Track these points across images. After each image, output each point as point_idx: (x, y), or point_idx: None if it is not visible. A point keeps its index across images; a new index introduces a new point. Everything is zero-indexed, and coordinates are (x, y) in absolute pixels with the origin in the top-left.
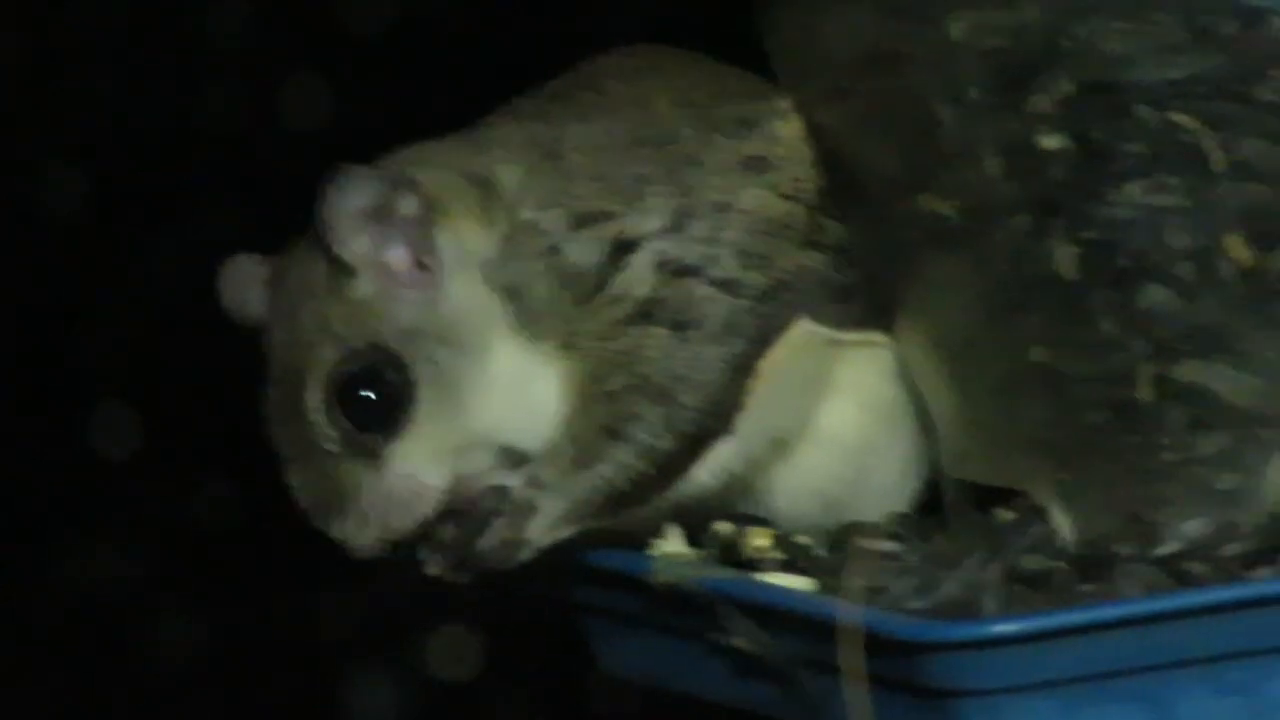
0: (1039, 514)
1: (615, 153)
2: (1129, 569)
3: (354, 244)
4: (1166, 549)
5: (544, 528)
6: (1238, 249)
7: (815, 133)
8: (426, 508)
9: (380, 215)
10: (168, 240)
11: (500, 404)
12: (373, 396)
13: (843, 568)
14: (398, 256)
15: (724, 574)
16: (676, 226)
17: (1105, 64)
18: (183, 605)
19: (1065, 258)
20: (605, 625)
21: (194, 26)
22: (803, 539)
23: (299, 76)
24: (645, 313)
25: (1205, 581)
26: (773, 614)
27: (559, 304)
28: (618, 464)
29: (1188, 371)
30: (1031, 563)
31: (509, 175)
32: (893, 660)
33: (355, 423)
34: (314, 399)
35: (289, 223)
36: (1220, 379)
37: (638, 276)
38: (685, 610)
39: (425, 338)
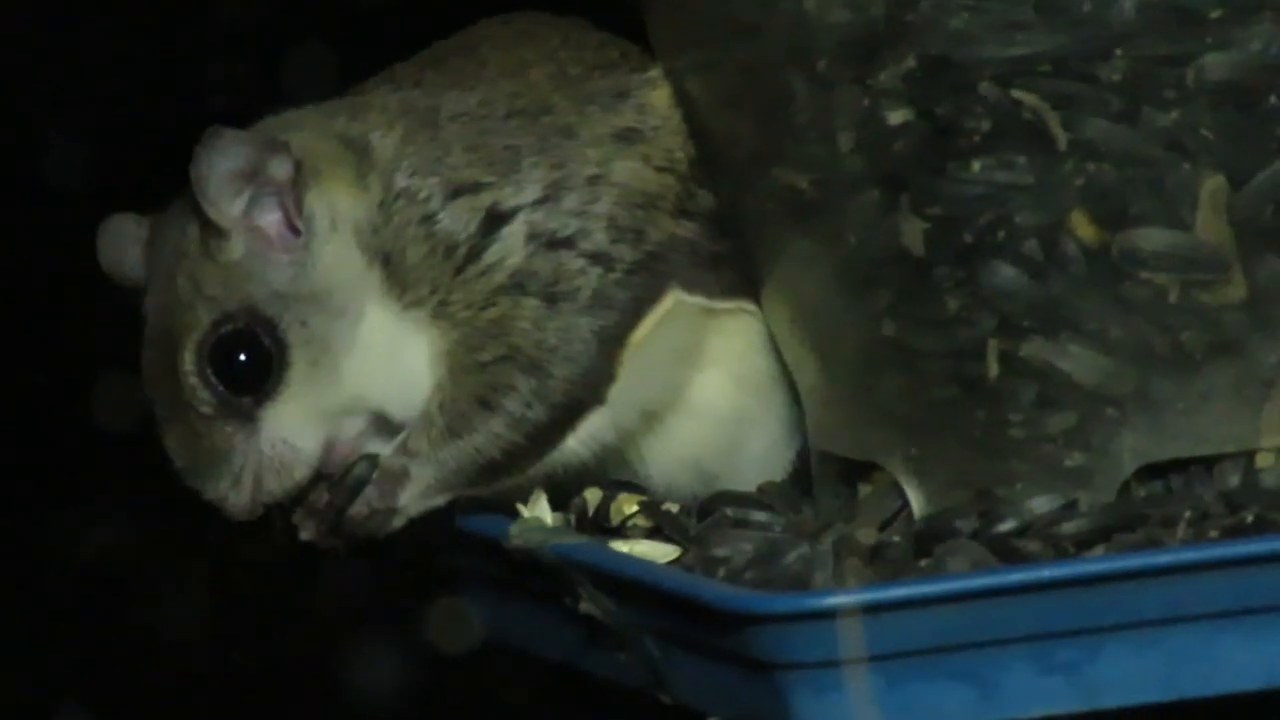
0: (896, 488)
1: (490, 123)
2: (956, 545)
3: (226, 206)
4: (1007, 525)
5: (415, 496)
6: (1083, 227)
7: (685, 102)
8: (300, 471)
9: (252, 177)
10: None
11: (372, 370)
12: (245, 359)
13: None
14: (269, 219)
15: (575, 540)
16: (549, 198)
17: (948, 40)
18: (184, 574)
19: (912, 233)
20: (476, 589)
21: (199, 1)
22: (671, 507)
23: (305, 51)
24: (517, 284)
25: (1038, 559)
26: (619, 582)
27: (432, 272)
28: (489, 434)
29: (1034, 349)
30: (867, 537)
31: (385, 142)
32: (719, 631)
33: (228, 385)
34: (188, 361)
35: None
36: (1066, 357)
37: (510, 247)
38: (541, 576)
39: (297, 301)
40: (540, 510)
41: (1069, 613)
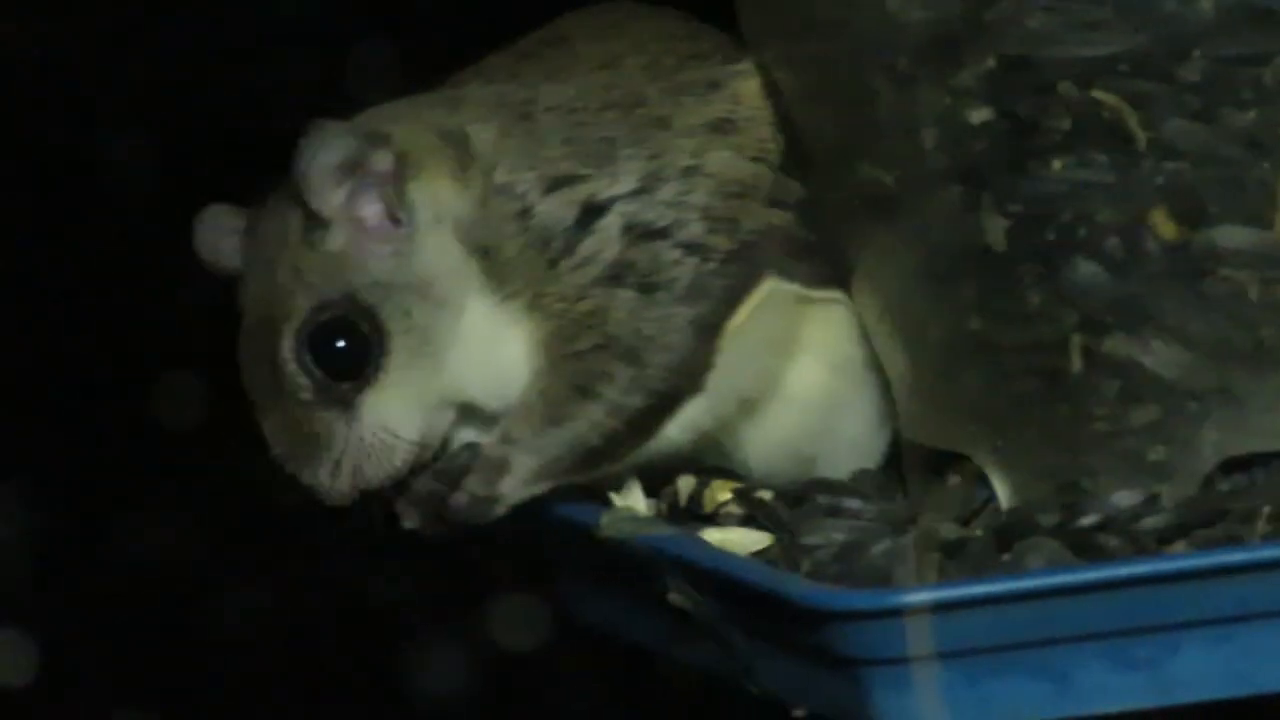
0: (983, 480)
1: (586, 115)
2: (1035, 542)
3: (328, 197)
4: (1088, 520)
5: (517, 484)
6: (1163, 225)
7: (774, 94)
8: (398, 459)
9: (354, 169)
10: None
11: (470, 360)
12: (345, 346)
13: (900, 554)
14: (371, 211)
15: (665, 531)
16: (645, 189)
17: (1027, 40)
18: (245, 574)
19: (995, 230)
20: (570, 578)
21: None
22: (765, 494)
23: (365, 47)
24: (613, 276)
25: (1117, 555)
26: (703, 575)
27: (528, 265)
28: (589, 421)
29: (1116, 344)
30: (949, 531)
31: (483, 136)
32: (801, 625)
33: (328, 372)
34: (287, 347)
35: None
36: (1148, 352)
37: (606, 239)
38: (631, 565)
39: (398, 290)
40: (633, 499)
41: (1146, 609)
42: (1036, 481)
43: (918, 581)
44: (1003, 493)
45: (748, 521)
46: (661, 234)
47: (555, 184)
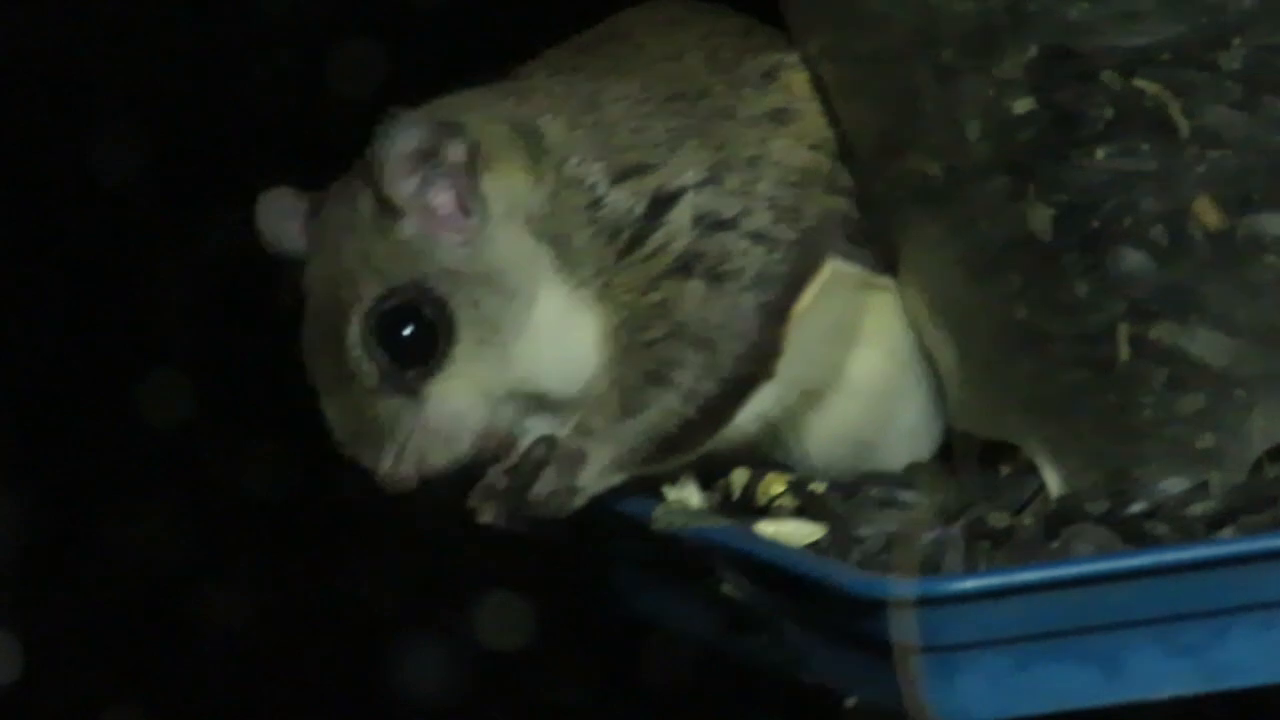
0: (1034, 469)
1: (652, 106)
2: (1082, 529)
3: (402, 185)
4: (1137, 507)
5: (594, 474)
6: (1207, 212)
7: (820, 87)
8: (463, 446)
9: (428, 158)
10: (218, 209)
11: (539, 350)
12: (412, 332)
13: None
14: (443, 200)
15: (718, 523)
16: (712, 179)
17: (1068, 30)
18: (232, 573)
19: (1040, 220)
20: (626, 571)
21: None
22: (817, 486)
23: (351, 43)
24: (682, 266)
25: (1166, 542)
26: (755, 566)
27: (598, 255)
28: (663, 409)
29: (1163, 332)
30: (997, 520)
31: (554, 128)
32: (850, 614)
33: (394, 357)
34: (354, 332)
35: None
36: (1195, 340)
37: (676, 230)
38: (685, 558)
39: (467, 279)
40: (687, 492)
41: (1194, 595)
42: (1086, 470)
43: (966, 570)
44: (1052, 482)
45: (801, 514)
46: (730, 224)
47: (624, 174)
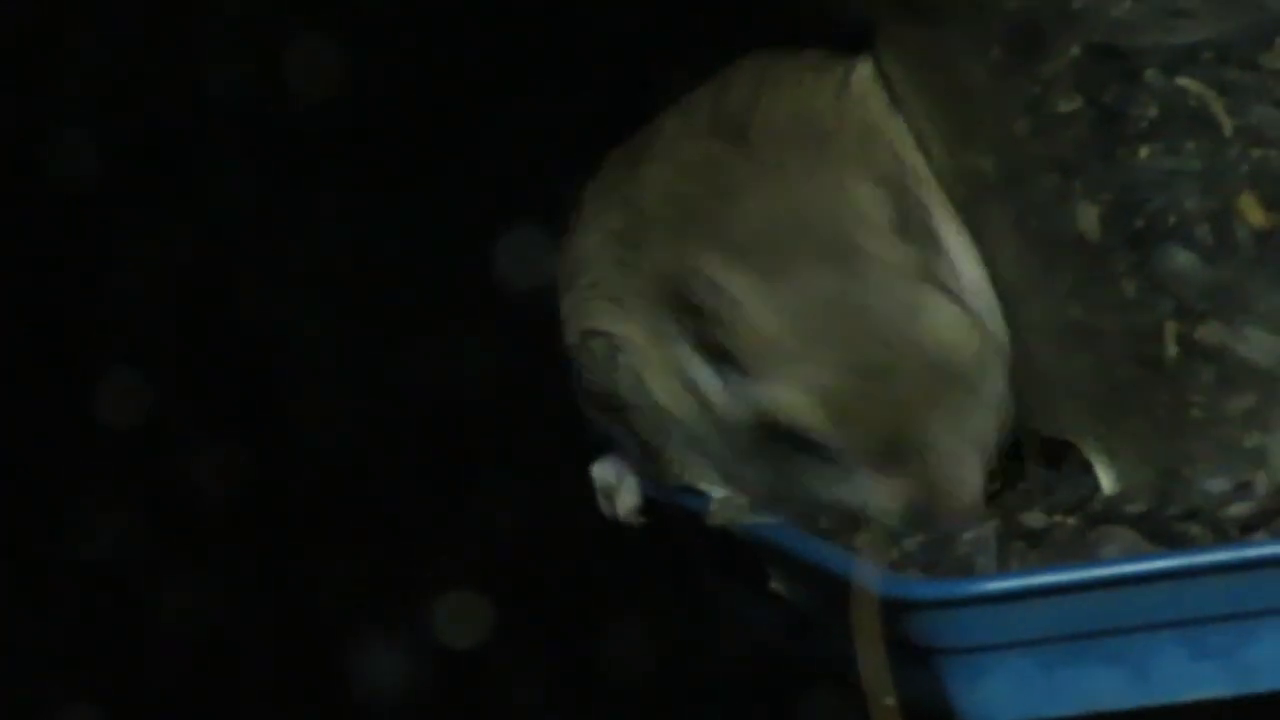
0: (1089, 467)
1: None
2: (1110, 530)
3: None
4: (1174, 508)
5: None
6: (1252, 211)
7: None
8: None
9: None
10: (175, 208)
11: None
12: None
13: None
14: None
15: (770, 519)
16: None
17: (1112, 28)
18: (188, 573)
19: (1088, 218)
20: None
21: None
22: None
23: (306, 44)
24: None
25: (1198, 543)
26: (798, 562)
27: None
28: None
29: (1210, 332)
30: (1034, 520)
31: None
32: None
33: None
34: None
35: (296, 190)
36: (1242, 340)
37: None
38: (739, 553)
39: None
40: None
41: (1221, 597)
42: (1139, 468)
43: (996, 571)
44: (1106, 480)
45: None
46: None
47: None
